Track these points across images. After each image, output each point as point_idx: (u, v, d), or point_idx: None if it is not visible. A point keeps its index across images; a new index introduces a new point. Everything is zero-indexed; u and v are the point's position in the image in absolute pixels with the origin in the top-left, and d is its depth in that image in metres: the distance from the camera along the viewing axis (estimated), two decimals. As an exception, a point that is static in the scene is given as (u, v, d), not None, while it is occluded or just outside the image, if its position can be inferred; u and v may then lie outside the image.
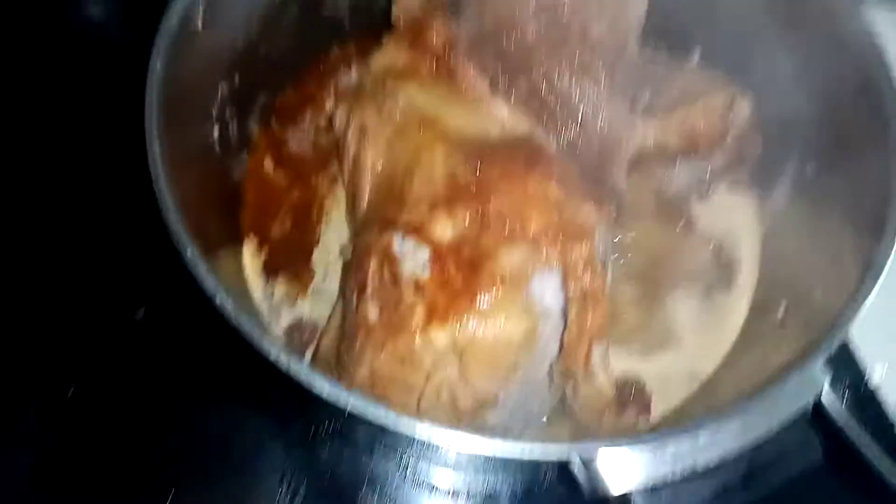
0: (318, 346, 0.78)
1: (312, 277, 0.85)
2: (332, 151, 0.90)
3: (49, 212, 0.92)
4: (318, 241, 0.87)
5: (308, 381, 0.57)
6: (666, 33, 0.86)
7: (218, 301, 0.60)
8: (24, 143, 0.95)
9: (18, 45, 1.01)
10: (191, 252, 0.61)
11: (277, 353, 0.58)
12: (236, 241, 0.85)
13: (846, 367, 0.74)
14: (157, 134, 0.65)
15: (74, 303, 0.87)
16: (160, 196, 0.62)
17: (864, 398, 0.72)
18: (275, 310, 0.84)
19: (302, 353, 0.81)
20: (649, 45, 0.85)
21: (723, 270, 0.86)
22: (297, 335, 0.83)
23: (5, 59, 1.00)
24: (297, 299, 0.84)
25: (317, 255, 0.87)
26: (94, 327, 0.85)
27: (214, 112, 0.80)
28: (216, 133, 0.81)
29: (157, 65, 0.67)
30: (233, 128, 0.84)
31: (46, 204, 0.92)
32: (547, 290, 0.65)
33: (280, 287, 0.85)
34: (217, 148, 0.82)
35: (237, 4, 0.78)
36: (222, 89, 0.80)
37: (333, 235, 0.88)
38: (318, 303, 0.85)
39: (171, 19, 0.69)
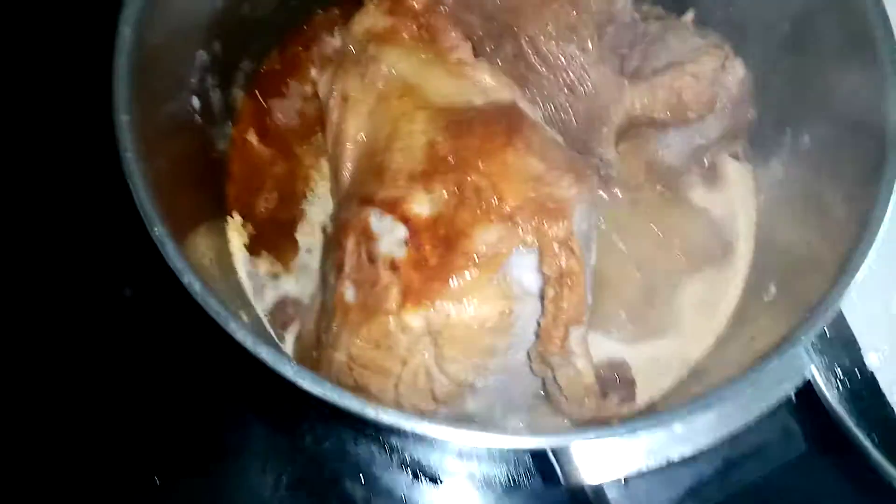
0: (301, 327, 0.77)
1: (297, 252, 0.84)
2: (318, 119, 0.87)
3: (40, 190, 0.90)
4: (303, 215, 0.85)
5: (275, 364, 0.55)
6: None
7: (185, 281, 0.58)
8: (18, 114, 0.93)
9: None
10: (158, 230, 0.59)
11: (244, 335, 0.56)
12: (221, 215, 0.83)
13: (843, 354, 0.71)
14: (125, 105, 0.62)
15: (63, 282, 0.86)
16: (127, 171, 0.60)
17: (859, 386, 0.69)
18: (260, 286, 0.82)
19: (284, 332, 0.79)
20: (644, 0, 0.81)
21: (719, 247, 0.83)
22: (282, 313, 0.82)
23: None
24: (281, 275, 0.83)
25: (302, 229, 0.85)
26: (81, 305, 0.85)
27: (194, 80, 0.77)
28: (196, 102, 0.78)
29: (125, 31, 0.64)
30: (215, 96, 0.82)
31: (38, 182, 0.90)
32: (525, 271, 0.62)
33: (265, 262, 0.83)
34: (198, 118, 0.79)
35: (214, -34, 0.75)
36: (201, 56, 0.77)
37: (319, 208, 0.86)
38: (303, 278, 0.83)
39: (140, -17, 0.66)
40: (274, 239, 0.84)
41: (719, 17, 0.79)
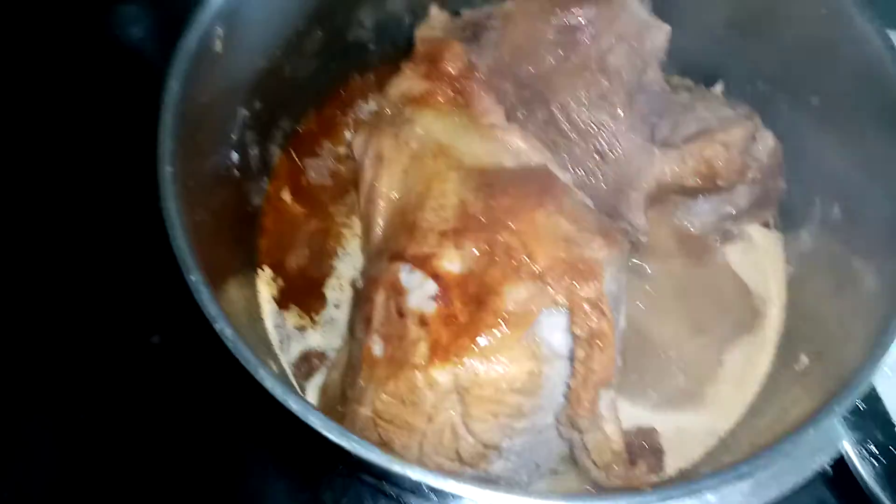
0: (327, 378, 0.77)
1: (325, 306, 0.85)
2: (351, 180, 0.89)
3: (78, 236, 0.93)
4: (333, 271, 0.86)
5: (304, 415, 0.55)
6: (689, 63, 0.84)
7: (218, 328, 0.59)
8: (59, 164, 0.97)
9: (56, 64, 1.03)
10: (194, 277, 0.60)
11: (273, 384, 0.56)
12: (252, 267, 0.85)
13: (876, 430, 0.69)
14: (169, 156, 0.65)
15: (93, 327, 0.87)
16: (167, 219, 0.62)
17: (895, 464, 0.67)
18: (286, 337, 0.83)
19: (306, 384, 0.80)
20: (673, 72, 0.83)
21: (749, 316, 0.82)
22: (306, 365, 0.82)
23: (41, 76, 1.02)
24: (308, 327, 0.83)
25: (331, 284, 0.86)
26: (110, 350, 0.86)
27: (234, 136, 0.80)
28: (236, 157, 0.81)
29: (173, 87, 0.68)
30: (254, 152, 0.85)
31: (76, 227, 0.93)
32: (554, 332, 0.62)
33: (292, 314, 0.84)
34: (237, 172, 0.82)
35: (259, 28, 0.78)
36: (243, 113, 0.80)
37: (348, 264, 0.87)
38: (329, 332, 0.84)
39: (190, 41, 0.69)
40: (303, 293, 0.85)
41: (748, 91, 0.81)
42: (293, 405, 0.55)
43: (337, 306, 0.85)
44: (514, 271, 0.62)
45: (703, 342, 0.81)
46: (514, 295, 0.61)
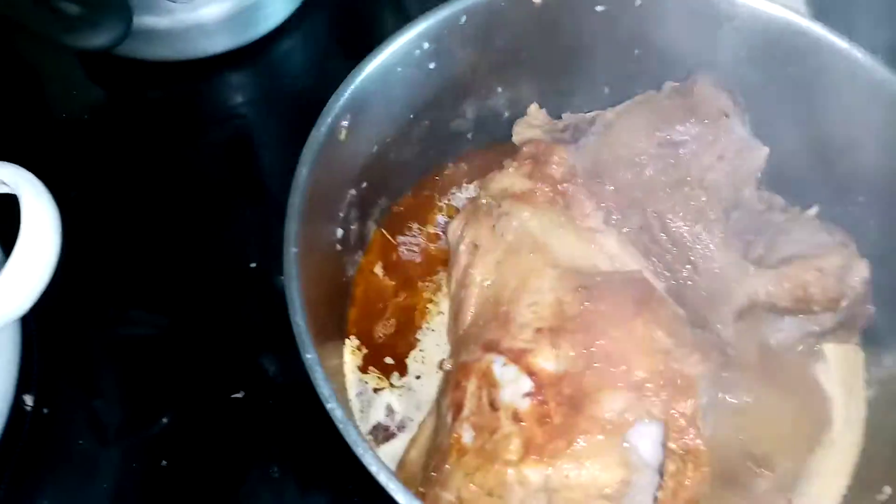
0: (405, 455, 0.80)
1: (406, 374, 0.88)
2: (440, 259, 0.94)
3: (170, 293, 0.97)
4: (416, 344, 0.90)
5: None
6: (783, 181, 0.87)
7: (329, 406, 0.63)
8: (163, 233, 1.01)
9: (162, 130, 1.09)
10: (310, 355, 0.64)
11: (378, 469, 0.59)
12: (341, 336, 0.89)
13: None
14: (294, 238, 0.70)
15: (179, 379, 0.91)
16: (289, 299, 0.67)
17: None
18: (367, 404, 0.86)
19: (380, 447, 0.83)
20: (766, 188, 0.86)
21: (826, 433, 0.83)
22: (382, 432, 0.85)
23: (156, 157, 1.07)
24: (385, 390, 0.87)
25: (413, 355, 0.89)
26: (193, 403, 0.89)
27: (342, 214, 0.85)
28: (340, 234, 0.86)
29: (302, 172, 0.73)
30: (354, 228, 0.90)
31: (167, 286, 0.97)
32: (646, 441, 0.64)
33: (372, 377, 0.87)
34: (338, 247, 0.87)
35: (378, 118, 0.84)
36: (351, 193, 0.86)
37: (432, 340, 0.90)
38: (407, 399, 0.86)
39: (320, 131, 0.75)
40: (386, 361, 0.89)
41: (837, 212, 0.83)
42: (397, 493, 0.58)
43: (418, 377, 0.88)
44: (611, 379, 0.65)
45: (777, 456, 0.81)
46: (611, 403, 0.64)
